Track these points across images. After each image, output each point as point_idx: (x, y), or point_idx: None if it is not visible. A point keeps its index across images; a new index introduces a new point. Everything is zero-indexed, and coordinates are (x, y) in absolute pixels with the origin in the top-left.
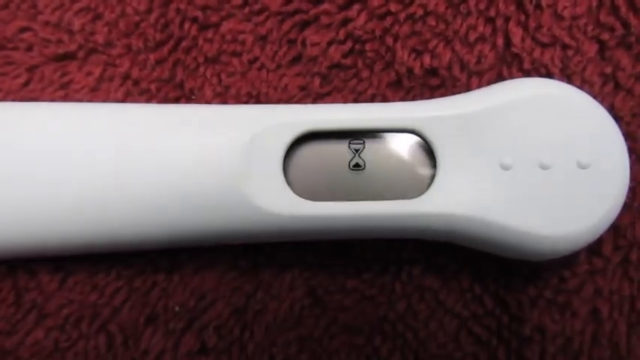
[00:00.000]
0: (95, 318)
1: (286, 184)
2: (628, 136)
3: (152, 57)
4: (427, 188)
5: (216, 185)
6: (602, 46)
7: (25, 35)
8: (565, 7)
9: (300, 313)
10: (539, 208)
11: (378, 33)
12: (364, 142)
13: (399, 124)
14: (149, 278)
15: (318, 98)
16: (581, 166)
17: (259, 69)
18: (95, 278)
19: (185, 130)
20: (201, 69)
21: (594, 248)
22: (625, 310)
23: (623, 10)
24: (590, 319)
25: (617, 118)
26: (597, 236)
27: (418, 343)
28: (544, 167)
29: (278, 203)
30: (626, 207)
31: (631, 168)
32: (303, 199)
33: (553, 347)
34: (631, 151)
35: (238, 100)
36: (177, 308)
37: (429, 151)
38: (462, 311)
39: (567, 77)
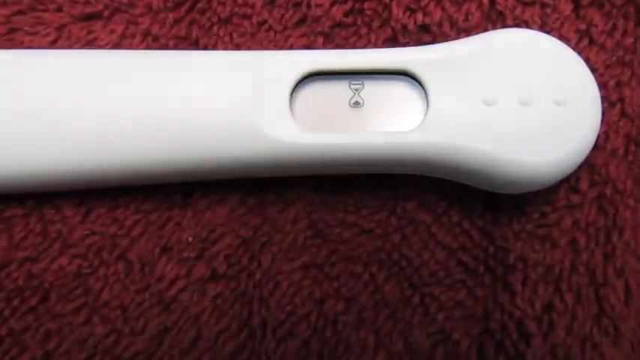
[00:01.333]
0: (115, 247)
1: (292, 117)
2: (602, 86)
3: (171, 16)
4: (420, 122)
5: (231, 118)
6: (577, 5)
7: None
8: None
9: (303, 244)
10: (521, 139)
11: None
12: (363, 82)
13: (394, 65)
14: (165, 213)
15: None
16: (557, 103)
17: (267, 30)
18: (115, 212)
19: (202, 69)
20: (215, 28)
21: (572, 185)
22: (601, 241)
23: None
24: (569, 249)
25: (592, 70)
26: (575, 166)
27: (412, 271)
28: (523, 103)
29: (285, 134)
30: (601, 148)
31: (605, 113)
32: (307, 131)
33: (535, 274)
34: (604, 99)
35: None
36: (190, 239)
37: (421, 89)
38: (451, 243)
39: (546, 33)
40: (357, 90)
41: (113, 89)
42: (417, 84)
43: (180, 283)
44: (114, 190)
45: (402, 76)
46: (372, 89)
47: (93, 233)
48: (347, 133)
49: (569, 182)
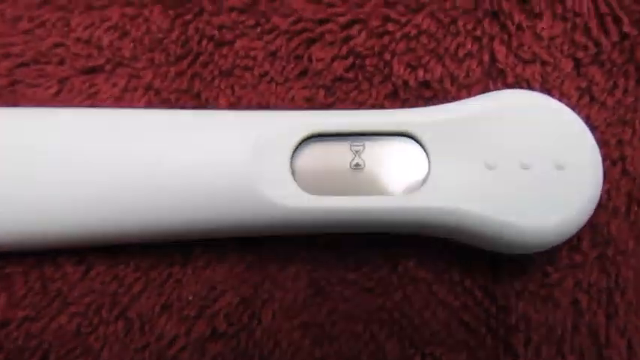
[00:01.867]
0: (114, 305)
1: (293, 180)
2: (603, 144)
3: (172, 70)
4: (421, 185)
5: (231, 180)
6: (578, 63)
7: (58, 50)
8: (543, 29)
9: (303, 303)
10: (521, 203)
11: (376, 50)
12: (364, 144)
13: (395, 127)
14: (165, 270)
15: (322, 109)
16: (558, 167)
17: (269, 82)
18: (115, 270)
19: (203, 130)
20: (217, 81)
21: (574, 245)
22: (603, 302)
23: (595, 31)
24: (571, 310)
25: (593, 128)
26: (576, 229)
27: (413, 330)
28: (524, 167)
29: (286, 197)
30: (602, 207)
31: (606, 171)
32: (308, 193)
33: (537, 335)
34: (606, 156)
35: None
36: (190, 297)
37: (422, 152)
38: (453, 302)
39: (547, 91)
40: (357, 152)
41: (111, 150)
42: (418, 146)
43: (180, 342)
44: (114, 247)
45: (403, 138)
46: (373, 151)
47: (93, 291)
48: (348, 197)
49: (571, 242)
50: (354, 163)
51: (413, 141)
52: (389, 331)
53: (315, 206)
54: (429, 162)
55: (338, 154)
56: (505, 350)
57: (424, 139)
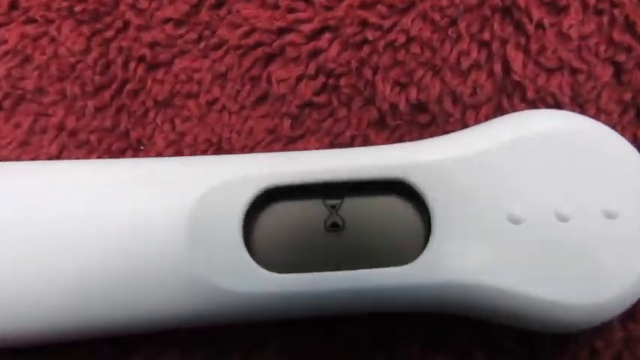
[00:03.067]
0: None
1: (247, 254)
2: None
3: (91, 104)
4: (421, 251)
5: (161, 259)
6: (618, 69)
7: None
8: (571, 26)
9: None
10: (560, 271)
11: (354, 65)
12: (342, 197)
13: (383, 172)
14: None
15: (289, 143)
16: (608, 216)
17: (220, 111)
18: None
19: (122, 191)
20: (151, 114)
21: (629, 311)
22: None
23: None
24: None
25: None
26: (633, 302)
27: None
28: (563, 219)
29: (238, 279)
30: None
31: None
32: (270, 272)
33: None
34: None
35: (195, 148)
36: None
37: (421, 204)
38: None
39: (579, 106)
40: (334, 207)
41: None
42: (415, 198)
43: None
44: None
45: (395, 186)
46: (354, 205)
47: None
48: (323, 274)
49: None
50: (329, 223)
51: (408, 189)
52: None
53: (280, 290)
54: (431, 217)
55: (307, 212)
56: None
57: (424, 185)
